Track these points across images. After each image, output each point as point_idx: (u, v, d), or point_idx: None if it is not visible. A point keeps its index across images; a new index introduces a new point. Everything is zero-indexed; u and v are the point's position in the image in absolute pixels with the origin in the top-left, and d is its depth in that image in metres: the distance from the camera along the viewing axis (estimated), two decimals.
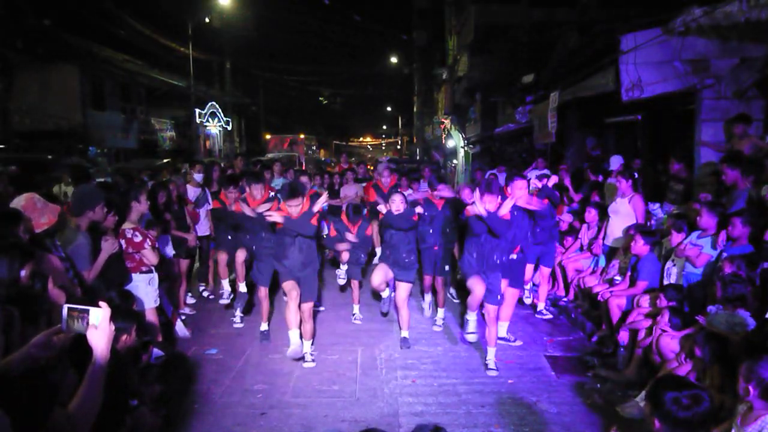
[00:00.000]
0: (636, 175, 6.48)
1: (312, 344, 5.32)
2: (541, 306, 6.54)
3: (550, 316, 6.46)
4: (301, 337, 5.14)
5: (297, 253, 5.05)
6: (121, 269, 4.62)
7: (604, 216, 6.45)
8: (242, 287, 6.27)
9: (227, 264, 6.44)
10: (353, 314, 6.51)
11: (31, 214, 3.51)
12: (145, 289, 4.78)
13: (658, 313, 4.48)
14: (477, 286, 4.84)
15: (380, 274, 5.55)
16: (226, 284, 6.43)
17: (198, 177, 7.59)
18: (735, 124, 6.14)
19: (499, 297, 4.97)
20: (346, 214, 6.61)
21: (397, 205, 5.38)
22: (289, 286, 5.08)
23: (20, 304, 2.58)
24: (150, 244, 4.81)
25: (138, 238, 4.73)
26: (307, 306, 5.19)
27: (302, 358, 5.13)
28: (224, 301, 6.42)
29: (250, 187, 5.98)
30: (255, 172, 7.12)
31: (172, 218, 6.30)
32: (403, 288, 5.53)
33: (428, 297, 6.65)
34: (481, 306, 5.04)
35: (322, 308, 6.81)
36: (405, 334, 5.62)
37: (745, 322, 3.60)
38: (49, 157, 12.79)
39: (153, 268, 4.90)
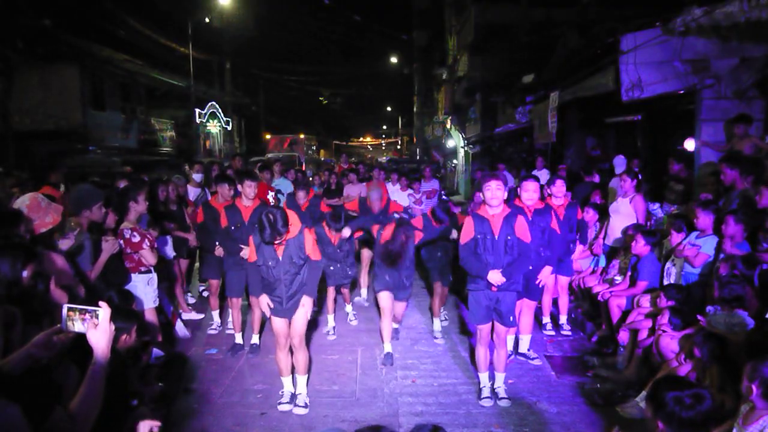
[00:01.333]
0: (640, 176, 6.47)
1: (307, 382, 4.49)
2: (563, 319, 5.97)
3: (569, 334, 5.88)
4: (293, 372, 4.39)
5: (285, 287, 4.21)
6: (121, 269, 4.62)
7: (604, 216, 6.45)
8: (254, 338, 5.57)
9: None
10: (347, 315, 6.38)
11: (35, 213, 3.52)
12: (144, 289, 4.78)
13: (658, 313, 4.49)
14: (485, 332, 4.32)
15: (389, 303, 5.17)
16: (216, 315, 6.11)
17: (197, 177, 7.58)
18: (736, 125, 6.15)
19: (512, 318, 4.30)
20: (326, 223, 5.80)
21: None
22: (278, 325, 4.25)
23: (22, 303, 2.58)
24: (149, 244, 4.81)
25: (136, 239, 4.73)
26: (299, 326, 4.27)
27: (293, 400, 4.31)
28: (213, 331, 5.99)
29: (242, 186, 5.40)
30: (224, 175, 6.65)
31: (171, 219, 6.29)
32: (401, 307, 5.43)
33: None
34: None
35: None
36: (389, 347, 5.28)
37: (744, 322, 3.61)
38: (158, 158, 13.66)
39: (152, 268, 4.90)
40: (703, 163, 6.81)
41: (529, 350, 5.25)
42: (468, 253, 4.17)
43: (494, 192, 4.10)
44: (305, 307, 4.23)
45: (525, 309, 5.16)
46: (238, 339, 5.55)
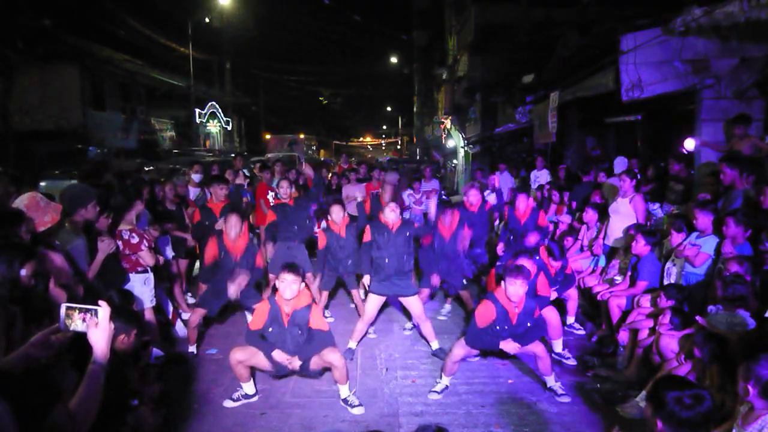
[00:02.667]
0: (639, 176, 6.47)
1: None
2: (570, 320, 5.90)
3: (583, 331, 5.86)
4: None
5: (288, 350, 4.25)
6: (118, 270, 4.61)
7: (604, 216, 6.45)
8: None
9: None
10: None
11: (33, 213, 3.51)
12: (141, 288, 4.79)
13: (659, 313, 4.48)
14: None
15: (375, 305, 5.26)
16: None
17: (196, 177, 7.55)
18: (735, 125, 6.14)
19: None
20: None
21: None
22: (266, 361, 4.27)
23: (23, 303, 2.57)
24: (147, 245, 4.81)
25: (135, 240, 4.72)
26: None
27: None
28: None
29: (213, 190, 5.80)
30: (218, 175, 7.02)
31: (170, 219, 6.28)
32: (415, 303, 5.25)
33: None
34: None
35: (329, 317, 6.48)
36: (436, 345, 5.32)
37: (745, 322, 3.61)
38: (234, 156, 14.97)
39: (149, 268, 4.90)
40: (703, 163, 6.80)
41: (564, 350, 5.21)
42: (482, 333, 4.35)
43: (517, 289, 4.17)
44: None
45: (547, 314, 5.09)
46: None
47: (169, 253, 6.00)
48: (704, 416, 2.05)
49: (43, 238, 3.57)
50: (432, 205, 6.48)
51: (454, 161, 25.64)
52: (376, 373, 4.98)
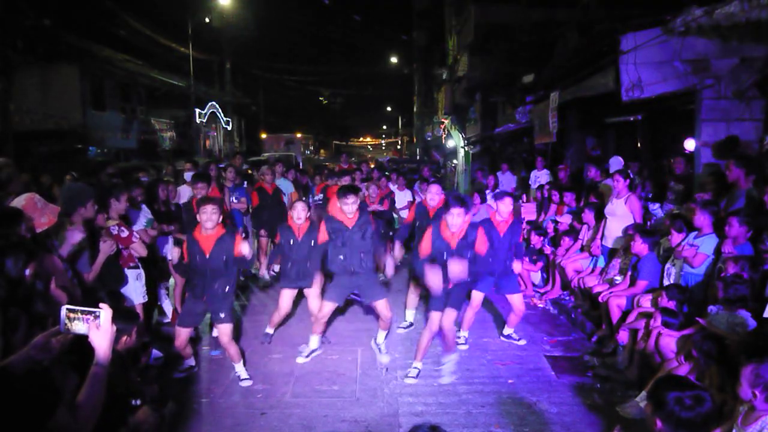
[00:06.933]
0: (632, 175, 6.46)
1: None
2: (507, 329, 5.71)
3: (524, 341, 5.63)
4: None
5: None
6: (117, 271, 4.61)
7: (600, 217, 6.44)
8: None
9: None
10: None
11: (31, 213, 3.51)
12: (134, 284, 4.81)
13: (650, 316, 4.49)
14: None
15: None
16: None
17: (189, 176, 7.46)
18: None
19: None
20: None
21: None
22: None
23: (26, 305, 2.57)
24: (138, 237, 4.81)
25: (125, 233, 4.72)
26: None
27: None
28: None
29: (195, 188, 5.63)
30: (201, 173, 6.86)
31: (169, 219, 6.26)
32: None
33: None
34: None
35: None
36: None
37: (746, 323, 3.61)
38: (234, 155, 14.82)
39: (140, 264, 4.89)
40: (703, 163, 6.80)
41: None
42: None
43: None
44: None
45: (515, 305, 5.50)
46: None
47: (170, 253, 5.98)
48: (704, 417, 2.05)
49: (41, 240, 3.56)
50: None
51: (454, 161, 25.63)
52: (376, 373, 4.98)
